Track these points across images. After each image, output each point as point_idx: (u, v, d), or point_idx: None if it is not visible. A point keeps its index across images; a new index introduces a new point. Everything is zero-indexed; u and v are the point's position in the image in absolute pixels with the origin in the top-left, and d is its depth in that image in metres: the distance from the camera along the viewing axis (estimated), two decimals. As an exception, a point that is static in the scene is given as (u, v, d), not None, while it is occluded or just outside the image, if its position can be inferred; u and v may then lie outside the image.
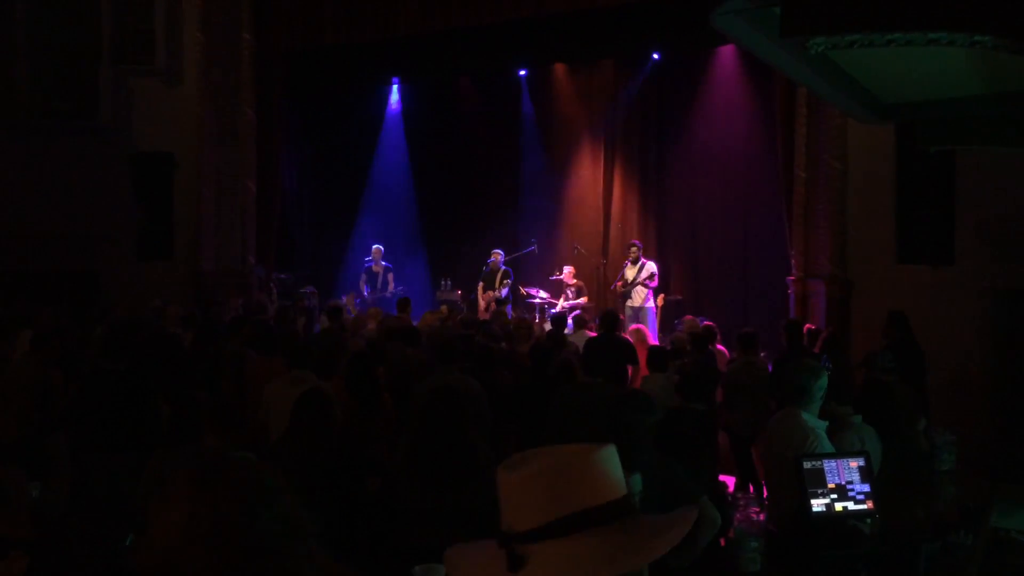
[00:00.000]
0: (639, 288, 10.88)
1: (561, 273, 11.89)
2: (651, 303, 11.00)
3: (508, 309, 11.29)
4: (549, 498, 1.28)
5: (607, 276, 12.10)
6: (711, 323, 8.59)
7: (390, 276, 12.42)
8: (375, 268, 12.49)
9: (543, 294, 11.93)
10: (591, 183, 13.00)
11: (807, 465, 3.64)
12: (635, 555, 1.27)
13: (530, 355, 6.55)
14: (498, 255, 11.94)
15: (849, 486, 3.63)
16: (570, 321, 9.09)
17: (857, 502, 3.62)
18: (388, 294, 12.11)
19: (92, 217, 11.12)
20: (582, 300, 11.53)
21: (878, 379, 5.40)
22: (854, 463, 3.69)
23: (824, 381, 4.21)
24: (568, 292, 11.70)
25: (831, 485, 3.61)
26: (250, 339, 6.82)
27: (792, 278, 9.63)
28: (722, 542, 3.77)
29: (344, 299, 11.70)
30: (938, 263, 8.37)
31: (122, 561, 2.77)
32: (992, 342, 8.05)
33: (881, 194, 8.84)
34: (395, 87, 14.35)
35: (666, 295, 11.42)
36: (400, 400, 5.67)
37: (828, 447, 4.03)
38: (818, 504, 3.59)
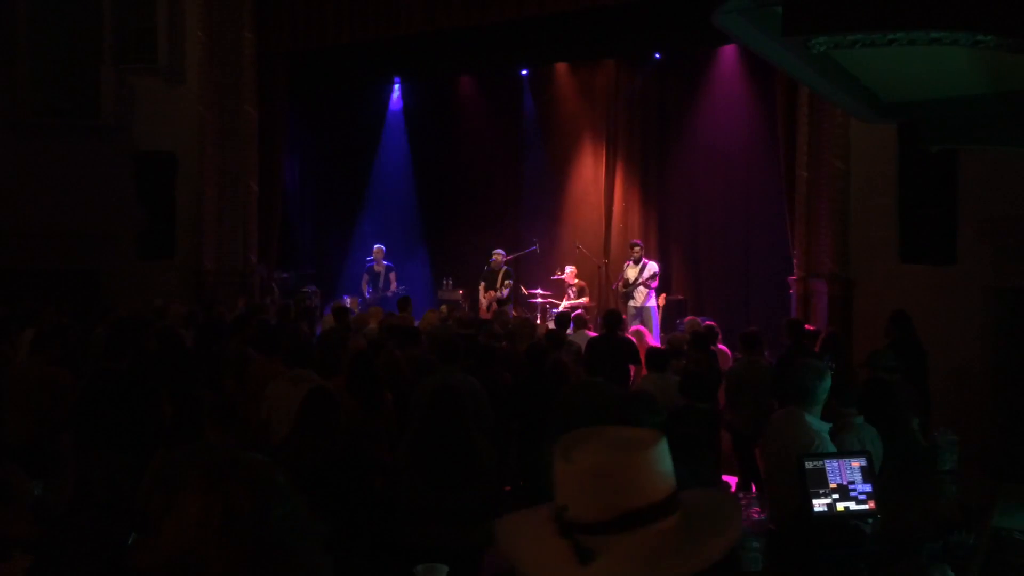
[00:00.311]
0: (640, 288, 10.88)
1: (563, 273, 11.89)
2: (653, 303, 10.99)
3: (509, 309, 11.29)
4: (614, 491, 1.29)
5: (609, 276, 12.09)
6: (712, 323, 8.59)
7: (392, 276, 12.41)
8: (377, 268, 12.49)
9: (544, 293, 11.93)
10: (593, 182, 12.99)
11: (809, 465, 3.64)
12: (703, 555, 1.30)
13: (526, 354, 6.56)
14: (499, 254, 11.93)
15: (851, 486, 3.63)
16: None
17: (859, 502, 3.62)
18: (390, 293, 12.10)
19: (94, 216, 11.14)
20: (584, 300, 11.53)
21: (880, 378, 5.38)
22: (856, 463, 3.69)
23: (828, 383, 4.20)
24: (569, 292, 11.69)
25: (833, 485, 3.61)
26: (252, 339, 6.83)
27: (794, 277, 9.63)
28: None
29: (348, 300, 11.71)
30: (940, 262, 8.35)
31: (125, 560, 2.77)
32: (994, 342, 8.04)
33: (883, 193, 8.83)
34: (397, 86, 14.36)
35: (668, 295, 11.41)
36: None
37: (831, 450, 4.02)
38: (820, 504, 3.59)
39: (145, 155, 11.40)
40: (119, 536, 2.98)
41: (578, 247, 12.32)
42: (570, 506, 1.31)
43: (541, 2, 9.87)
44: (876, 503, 3.64)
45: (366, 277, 12.54)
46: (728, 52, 11.55)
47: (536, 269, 12.65)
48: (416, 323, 8.51)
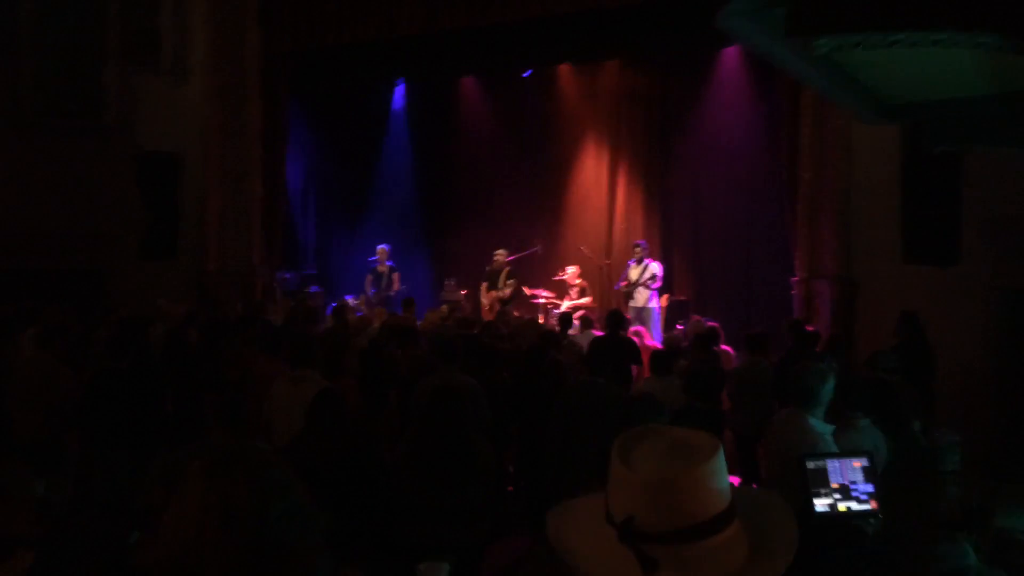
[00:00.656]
0: (640, 288, 10.87)
1: (565, 273, 11.89)
2: (655, 303, 10.99)
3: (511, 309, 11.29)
4: (679, 504, 1.30)
5: (611, 276, 12.09)
6: (715, 324, 8.59)
7: (395, 276, 12.42)
8: (380, 268, 12.50)
9: (546, 293, 11.94)
10: (595, 183, 13.00)
11: (810, 465, 3.64)
12: (773, 568, 1.36)
13: (524, 355, 6.56)
14: (501, 254, 11.94)
15: (852, 486, 3.63)
16: (576, 321, 9.08)
17: (860, 502, 3.62)
18: (393, 294, 12.11)
19: (97, 216, 11.14)
20: (586, 300, 11.53)
21: (881, 379, 5.38)
22: (857, 463, 3.69)
23: (831, 385, 4.20)
24: (572, 292, 11.69)
25: (834, 485, 3.61)
26: (255, 339, 6.83)
27: (797, 278, 9.62)
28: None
29: (352, 300, 11.72)
30: (943, 263, 8.34)
31: (127, 559, 2.78)
32: (997, 342, 8.03)
33: (886, 194, 8.82)
34: (400, 87, 14.37)
35: (670, 296, 11.41)
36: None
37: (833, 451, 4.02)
38: (821, 504, 3.58)
39: (148, 155, 11.40)
40: (121, 535, 2.99)
41: (580, 248, 12.32)
42: (639, 518, 1.31)
43: (544, 3, 9.88)
44: (878, 503, 3.63)
45: (369, 277, 12.54)
46: (731, 54, 11.55)
47: (538, 269, 12.65)
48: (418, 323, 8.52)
